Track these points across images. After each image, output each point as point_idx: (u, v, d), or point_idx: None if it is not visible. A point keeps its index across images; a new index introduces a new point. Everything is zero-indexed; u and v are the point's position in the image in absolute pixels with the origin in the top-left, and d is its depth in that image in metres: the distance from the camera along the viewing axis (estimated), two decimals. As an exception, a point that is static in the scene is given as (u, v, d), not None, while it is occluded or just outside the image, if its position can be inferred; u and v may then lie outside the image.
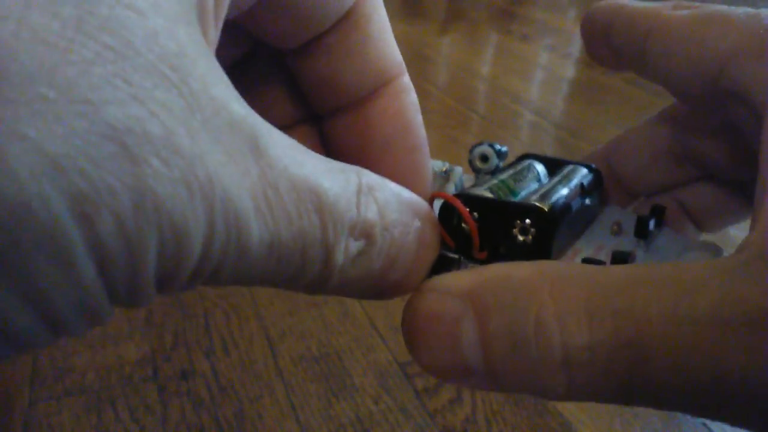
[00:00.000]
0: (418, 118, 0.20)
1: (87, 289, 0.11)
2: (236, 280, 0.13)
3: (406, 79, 0.20)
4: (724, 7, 0.18)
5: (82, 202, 0.10)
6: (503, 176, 0.22)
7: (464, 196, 0.20)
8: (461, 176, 0.25)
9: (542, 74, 1.63)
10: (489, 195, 0.20)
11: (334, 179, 0.14)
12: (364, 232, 0.15)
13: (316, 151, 0.15)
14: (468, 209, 0.19)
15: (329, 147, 0.20)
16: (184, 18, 0.12)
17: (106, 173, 0.10)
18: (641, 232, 0.21)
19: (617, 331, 0.13)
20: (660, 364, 0.13)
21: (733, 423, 0.14)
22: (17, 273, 0.10)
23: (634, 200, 0.24)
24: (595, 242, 0.22)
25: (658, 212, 0.22)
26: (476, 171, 0.25)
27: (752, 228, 0.15)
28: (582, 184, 0.22)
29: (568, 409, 0.58)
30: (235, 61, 0.19)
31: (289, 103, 0.20)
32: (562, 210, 0.20)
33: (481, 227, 0.19)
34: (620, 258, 0.19)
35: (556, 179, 0.23)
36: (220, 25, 0.14)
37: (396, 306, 0.70)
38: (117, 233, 0.11)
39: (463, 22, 2.18)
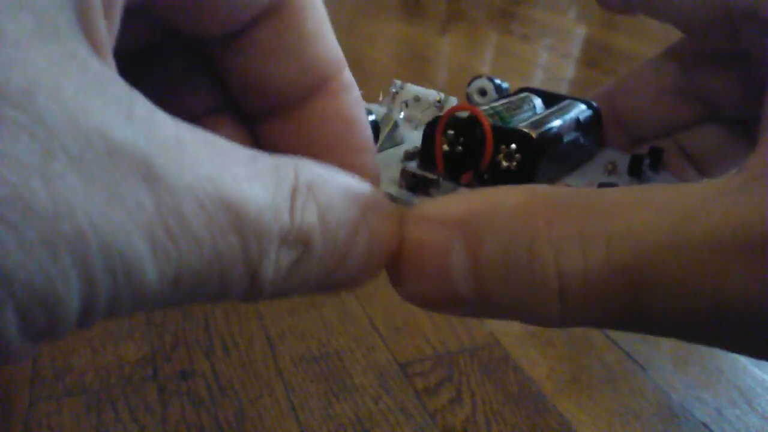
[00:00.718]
0: (362, 117, 0.18)
1: None
2: (140, 310, 0.12)
3: (347, 75, 0.18)
4: None
5: None
6: (497, 105, 0.22)
7: (450, 118, 0.19)
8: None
9: (542, 74, 1.63)
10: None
11: (261, 184, 0.13)
12: (301, 239, 0.13)
13: (244, 143, 0.13)
14: (453, 131, 0.19)
15: (262, 148, 0.19)
16: (45, 30, 0.10)
17: None
18: (635, 170, 0.21)
19: (612, 257, 0.13)
20: (657, 290, 0.13)
21: (733, 349, 0.13)
22: None
23: (636, 145, 0.23)
24: (586, 178, 0.21)
25: (655, 154, 0.21)
26: (474, 103, 0.24)
27: (755, 149, 0.14)
28: (578, 119, 0.22)
29: (568, 409, 0.58)
30: (147, 44, 0.17)
31: (211, 92, 0.18)
32: (551, 139, 0.19)
33: (468, 151, 0.18)
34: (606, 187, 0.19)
35: (551, 110, 0.22)
36: (118, 12, 0.13)
37: (396, 306, 0.71)
38: None
39: (463, 22, 2.18)
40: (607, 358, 0.60)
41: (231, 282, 0.13)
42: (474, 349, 0.63)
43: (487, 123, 0.18)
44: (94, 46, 0.12)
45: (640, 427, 0.57)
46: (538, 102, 0.23)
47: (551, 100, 0.23)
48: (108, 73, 0.11)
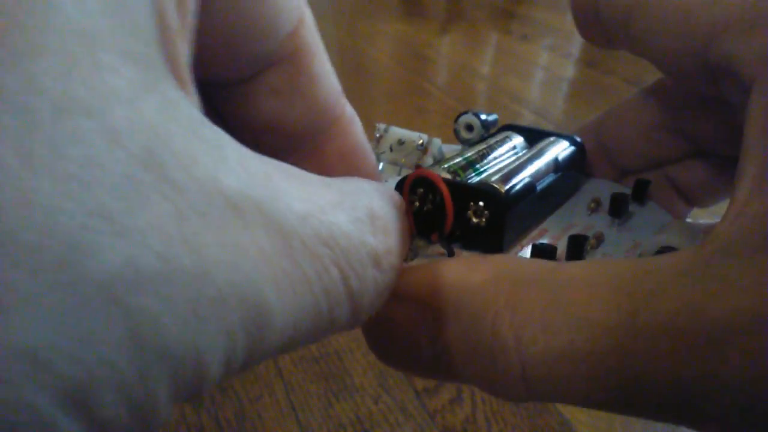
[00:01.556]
0: (367, 145, 0.19)
1: None
2: (263, 360, 0.12)
3: (349, 107, 0.19)
4: None
5: (74, 393, 0.08)
6: (470, 153, 0.22)
7: (419, 178, 0.19)
8: (440, 147, 0.24)
9: (542, 74, 1.63)
10: (448, 175, 0.20)
11: (343, 212, 0.13)
12: (382, 262, 0.14)
13: None
14: (422, 189, 0.19)
15: None
16: (148, 79, 0.10)
17: (98, 345, 0.09)
18: (615, 211, 0.20)
19: (573, 344, 0.13)
20: (620, 375, 0.13)
21: (697, 428, 0.13)
22: None
23: (624, 176, 0.23)
24: (567, 220, 0.21)
25: (641, 187, 0.21)
26: (462, 141, 0.25)
27: (724, 216, 0.14)
28: (557, 159, 0.22)
29: (568, 409, 0.58)
30: None
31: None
32: (521, 192, 0.19)
33: (438, 208, 0.19)
34: (576, 243, 0.18)
35: (528, 154, 0.22)
36: (191, 30, 0.12)
37: (396, 306, 0.70)
38: (122, 404, 0.09)
39: (463, 22, 2.18)
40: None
41: (338, 315, 0.13)
42: (474, 349, 0.63)
43: (445, 189, 0.18)
44: (179, 81, 0.11)
45: (641, 428, 0.57)
46: (519, 141, 0.23)
47: (534, 137, 0.23)
48: (197, 114, 0.11)
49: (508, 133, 0.24)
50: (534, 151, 0.22)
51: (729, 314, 0.12)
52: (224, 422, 0.55)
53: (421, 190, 0.19)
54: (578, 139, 0.23)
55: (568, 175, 0.22)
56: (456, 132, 0.25)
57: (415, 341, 0.15)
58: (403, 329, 0.15)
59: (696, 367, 0.12)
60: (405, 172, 0.23)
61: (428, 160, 0.24)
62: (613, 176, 0.23)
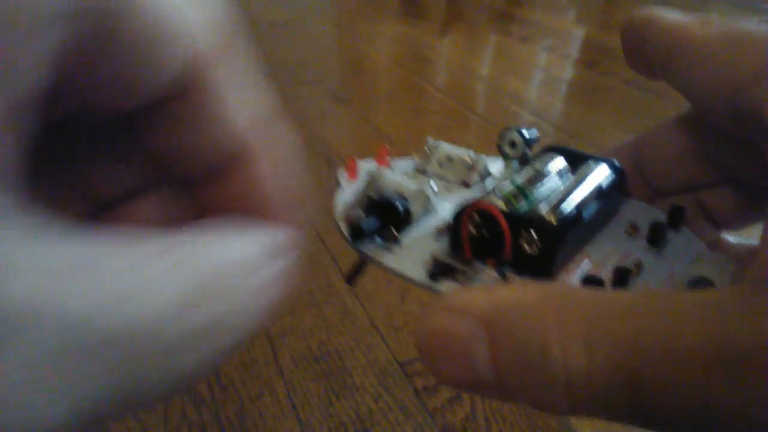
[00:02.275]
0: (285, 179, 0.18)
1: None
2: None
3: (273, 136, 0.18)
4: (751, 26, 0.18)
5: None
6: (519, 179, 0.23)
7: (477, 209, 0.20)
8: (486, 165, 0.26)
9: (541, 75, 1.63)
10: (501, 203, 0.21)
11: (161, 289, 0.13)
12: (195, 337, 0.14)
13: (185, 209, 0.14)
14: (479, 217, 0.20)
15: (205, 211, 0.19)
16: None
17: None
18: (654, 240, 0.22)
19: (613, 359, 0.14)
20: (653, 391, 0.14)
21: None
22: None
23: (658, 197, 0.24)
24: (607, 245, 0.22)
25: (676, 214, 0.23)
26: (505, 156, 0.26)
27: (755, 257, 0.15)
28: (600, 187, 0.23)
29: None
30: (64, 119, 0.16)
31: (144, 163, 0.18)
32: (569, 223, 0.21)
33: (493, 236, 0.20)
34: (621, 275, 0.20)
35: (573, 180, 0.23)
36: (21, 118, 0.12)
37: (396, 306, 0.71)
38: None
39: (462, 23, 2.19)
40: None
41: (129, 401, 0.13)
42: (474, 348, 0.64)
43: (505, 224, 0.20)
44: None
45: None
46: (562, 165, 0.24)
47: (575, 159, 0.25)
48: None
49: (552, 155, 0.25)
50: (579, 178, 0.23)
51: (756, 340, 0.13)
52: (225, 421, 0.55)
53: (478, 218, 0.20)
54: (618, 165, 0.24)
55: (610, 202, 0.23)
56: (499, 147, 0.26)
57: (470, 355, 0.16)
58: (460, 343, 0.16)
59: (722, 390, 0.13)
60: (453, 188, 0.25)
61: (475, 177, 0.25)
62: (648, 196, 0.25)
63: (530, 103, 1.38)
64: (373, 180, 0.24)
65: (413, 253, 0.21)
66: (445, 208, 0.23)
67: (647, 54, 0.21)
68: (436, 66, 1.70)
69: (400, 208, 0.22)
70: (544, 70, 1.67)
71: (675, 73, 0.20)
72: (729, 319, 0.14)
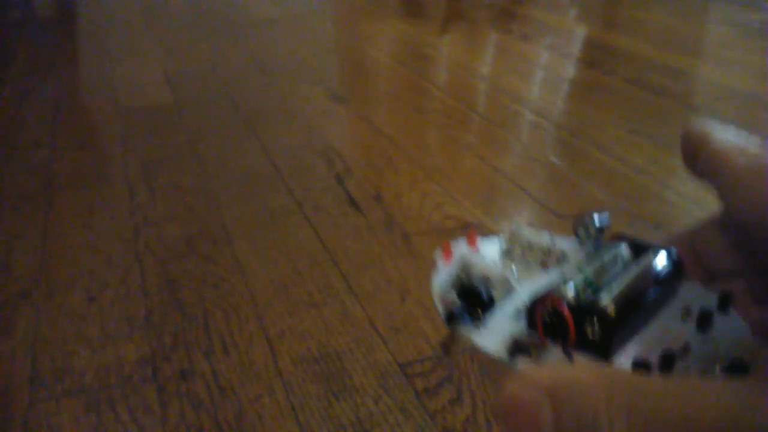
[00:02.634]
0: None
1: None
2: None
3: None
4: None
5: None
6: (588, 271, 0.28)
7: (548, 303, 0.25)
8: (564, 253, 0.31)
9: (542, 74, 1.63)
10: (570, 294, 0.26)
11: None
12: None
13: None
14: (552, 309, 0.25)
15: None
16: None
17: None
18: (702, 326, 0.25)
19: (647, 430, 0.18)
20: None
21: None
22: None
23: (713, 280, 0.29)
24: (661, 328, 0.26)
25: (724, 300, 0.26)
26: (579, 237, 0.31)
27: None
28: (658, 275, 0.27)
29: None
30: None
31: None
32: (626, 312, 0.25)
33: (562, 323, 0.25)
34: (667, 360, 0.24)
35: (634, 270, 0.28)
36: None
37: (396, 306, 0.70)
38: None
39: (463, 22, 2.18)
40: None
41: None
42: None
43: (568, 315, 0.24)
44: None
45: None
46: (625, 253, 0.29)
47: (638, 249, 0.29)
48: None
49: (618, 244, 0.30)
50: (640, 268, 0.28)
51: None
52: (224, 423, 0.55)
53: (550, 309, 0.25)
54: (675, 255, 0.28)
55: (667, 288, 0.28)
56: (575, 231, 0.31)
57: (537, 419, 0.20)
58: (530, 409, 0.20)
59: None
60: (533, 269, 0.30)
61: (552, 260, 0.30)
62: (703, 277, 0.29)
63: (531, 102, 1.38)
64: (464, 264, 0.30)
65: (495, 332, 0.26)
66: (525, 289, 0.28)
67: (698, 168, 0.26)
68: (436, 65, 1.69)
69: (485, 296, 0.28)
70: (545, 68, 1.67)
71: (719, 187, 0.26)
72: (742, 410, 0.18)
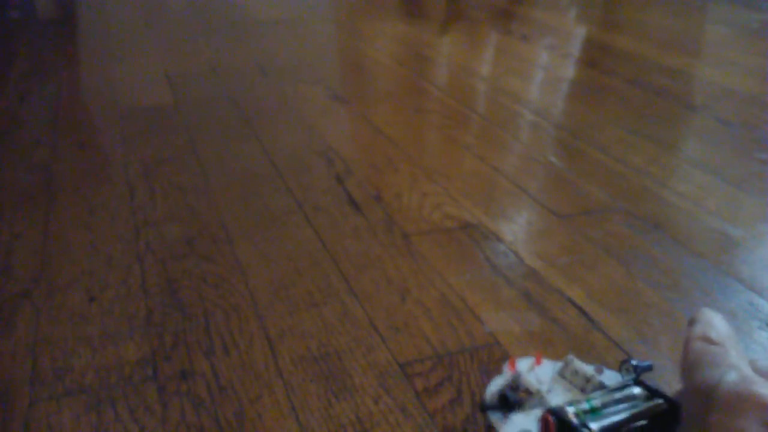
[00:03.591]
0: None
1: None
2: None
3: None
4: (758, 388, 0.29)
5: None
6: (597, 400, 0.35)
7: (547, 414, 0.34)
8: (600, 380, 0.41)
9: (542, 74, 1.63)
10: (571, 413, 0.33)
11: None
12: None
13: None
14: (545, 419, 0.34)
15: None
16: None
17: None
18: None
19: None
20: None
21: None
22: None
23: None
24: None
25: None
26: (622, 376, 0.39)
27: None
28: (653, 419, 0.34)
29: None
30: None
31: None
32: None
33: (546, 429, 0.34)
34: None
35: (636, 410, 0.34)
36: None
37: (396, 306, 0.70)
38: None
39: (462, 22, 2.18)
40: (608, 358, 0.60)
41: None
42: (474, 349, 0.63)
43: (552, 426, 0.32)
44: None
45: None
46: (635, 394, 0.36)
47: (652, 393, 0.36)
48: None
49: (634, 387, 0.37)
50: (640, 411, 0.34)
51: None
52: (224, 422, 0.55)
53: (550, 419, 0.34)
54: (677, 406, 0.34)
55: (660, 429, 0.34)
56: (620, 370, 0.40)
57: None
58: None
59: None
60: (573, 390, 0.42)
61: (590, 387, 0.41)
62: None
63: (531, 102, 1.38)
64: (516, 377, 0.43)
65: (514, 425, 0.38)
66: (552, 403, 0.39)
67: (684, 362, 0.32)
68: (436, 65, 1.69)
69: (511, 401, 0.40)
70: (545, 69, 1.67)
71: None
72: None
